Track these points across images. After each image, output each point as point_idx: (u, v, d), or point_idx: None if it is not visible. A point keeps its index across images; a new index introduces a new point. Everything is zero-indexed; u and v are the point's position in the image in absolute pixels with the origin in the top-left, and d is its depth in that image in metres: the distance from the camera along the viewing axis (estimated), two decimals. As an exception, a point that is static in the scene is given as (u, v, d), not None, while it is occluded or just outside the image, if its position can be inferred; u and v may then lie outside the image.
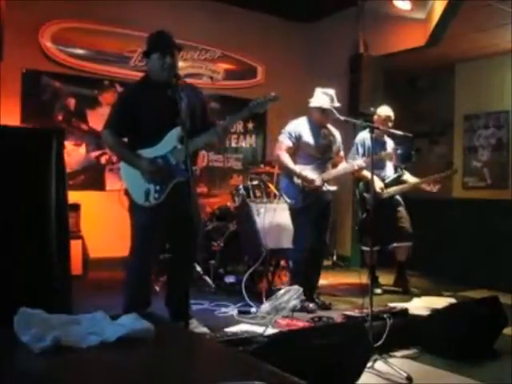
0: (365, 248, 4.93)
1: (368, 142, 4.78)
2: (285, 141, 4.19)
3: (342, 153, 4.45)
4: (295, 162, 4.16)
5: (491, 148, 7.20)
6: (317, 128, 4.23)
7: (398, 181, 4.92)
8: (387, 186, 4.87)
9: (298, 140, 4.17)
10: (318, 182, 4.08)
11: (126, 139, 3.30)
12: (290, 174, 4.18)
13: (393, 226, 4.86)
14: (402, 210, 4.96)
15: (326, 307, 4.15)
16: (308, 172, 4.10)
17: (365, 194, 4.81)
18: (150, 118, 3.16)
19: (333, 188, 4.22)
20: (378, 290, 4.80)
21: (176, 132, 3.14)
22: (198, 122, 3.27)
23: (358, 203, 5.04)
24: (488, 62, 6.93)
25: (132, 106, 3.19)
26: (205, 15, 6.55)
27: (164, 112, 3.14)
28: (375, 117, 4.93)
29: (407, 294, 4.76)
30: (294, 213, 4.23)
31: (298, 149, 4.20)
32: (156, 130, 3.16)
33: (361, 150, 4.89)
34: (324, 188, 4.15)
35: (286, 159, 4.15)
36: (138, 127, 3.18)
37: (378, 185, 4.75)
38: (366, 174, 4.56)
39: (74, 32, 5.90)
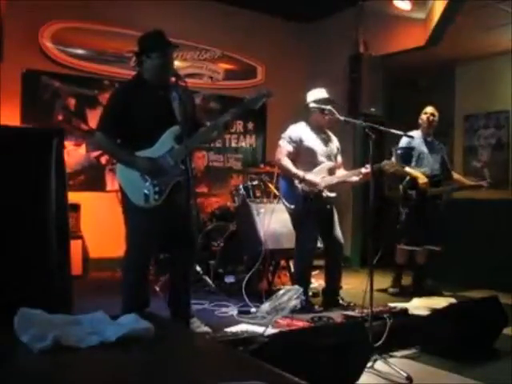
0: (405, 247, 4.86)
1: (414, 145, 4.84)
2: (285, 146, 4.12)
3: (340, 158, 4.38)
4: (295, 168, 4.09)
5: (491, 148, 7.19)
6: (316, 133, 4.18)
7: (445, 180, 4.84)
8: (433, 184, 4.75)
9: (298, 145, 4.11)
10: (321, 186, 4.02)
11: (118, 141, 3.22)
12: (292, 178, 4.09)
13: (432, 227, 4.78)
14: (442, 210, 4.90)
15: (351, 307, 4.07)
16: (311, 175, 4.03)
17: (409, 191, 4.73)
18: (145, 118, 3.11)
19: (332, 194, 4.13)
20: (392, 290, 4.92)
21: (173, 132, 3.12)
22: (190, 122, 3.24)
23: (401, 199, 4.89)
24: (488, 62, 6.93)
25: (125, 106, 3.12)
26: (205, 15, 6.55)
27: (158, 112, 3.13)
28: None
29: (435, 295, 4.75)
30: (295, 218, 4.17)
31: (298, 154, 4.12)
32: (151, 130, 3.11)
33: (414, 155, 4.82)
34: (324, 194, 4.06)
35: (288, 164, 4.08)
36: (131, 128, 3.12)
37: (422, 180, 4.66)
38: (410, 170, 4.65)
39: (74, 32, 5.90)
